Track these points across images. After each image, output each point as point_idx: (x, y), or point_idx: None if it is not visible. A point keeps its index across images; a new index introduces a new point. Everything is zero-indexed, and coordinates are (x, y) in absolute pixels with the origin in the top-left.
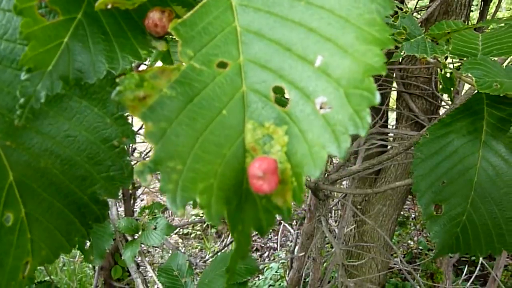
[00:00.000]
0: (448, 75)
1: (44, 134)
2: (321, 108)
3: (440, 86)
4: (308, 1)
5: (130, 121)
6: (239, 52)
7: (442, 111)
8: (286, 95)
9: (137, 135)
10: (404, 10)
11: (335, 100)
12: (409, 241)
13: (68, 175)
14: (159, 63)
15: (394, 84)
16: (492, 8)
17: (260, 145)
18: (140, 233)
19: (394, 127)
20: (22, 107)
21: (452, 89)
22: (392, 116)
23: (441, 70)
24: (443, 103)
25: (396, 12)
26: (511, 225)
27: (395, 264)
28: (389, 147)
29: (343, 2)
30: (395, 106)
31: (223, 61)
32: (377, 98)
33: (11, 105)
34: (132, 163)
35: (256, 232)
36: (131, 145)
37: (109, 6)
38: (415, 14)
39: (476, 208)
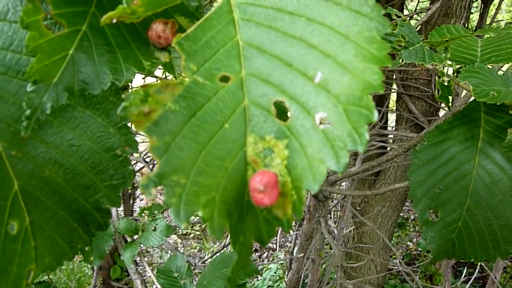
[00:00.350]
0: (445, 83)
1: (48, 143)
2: (320, 123)
3: (438, 94)
4: (308, 17)
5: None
6: (241, 66)
7: (441, 113)
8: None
9: (137, 135)
10: (402, 18)
11: (334, 116)
12: (408, 243)
13: (71, 183)
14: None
15: (394, 86)
16: (492, 10)
17: (261, 158)
18: (139, 234)
19: (393, 128)
20: (28, 118)
21: (449, 97)
22: (391, 118)
23: (439, 78)
24: (442, 105)
25: (394, 20)
26: (506, 232)
27: (394, 266)
28: (388, 148)
29: (343, 20)
30: (394, 108)
31: (225, 75)
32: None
33: (16, 115)
34: (132, 163)
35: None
36: None
37: (114, 21)
38: (415, 16)
39: (471, 214)
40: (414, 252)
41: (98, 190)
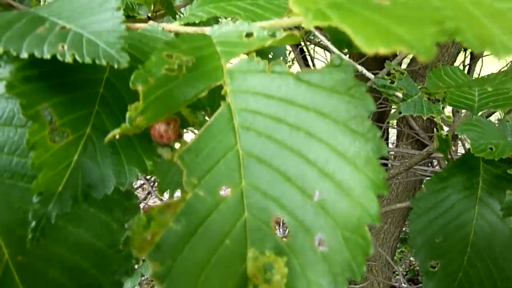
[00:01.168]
0: (444, 136)
1: (53, 244)
2: (319, 244)
3: (437, 146)
4: (307, 131)
5: None
6: (241, 177)
7: None
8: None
9: None
10: (400, 71)
11: (332, 240)
12: (411, 258)
13: (76, 282)
14: None
15: None
16: None
17: (261, 273)
18: (140, 264)
19: (394, 144)
20: (33, 230)
21: (448, 150)
22: (392, 132)
23: (437, 130)
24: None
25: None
26: (507, 284)
27: (396, 283)
28: (389, 165)
29: (340, 138)
30: (395, 124)
31: (225, 187)
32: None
33: (22, 220)
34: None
35: None
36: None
37: (117, 137)
38: None
39: (472, 265)
40: (417, 267)
41: (101, 286)
